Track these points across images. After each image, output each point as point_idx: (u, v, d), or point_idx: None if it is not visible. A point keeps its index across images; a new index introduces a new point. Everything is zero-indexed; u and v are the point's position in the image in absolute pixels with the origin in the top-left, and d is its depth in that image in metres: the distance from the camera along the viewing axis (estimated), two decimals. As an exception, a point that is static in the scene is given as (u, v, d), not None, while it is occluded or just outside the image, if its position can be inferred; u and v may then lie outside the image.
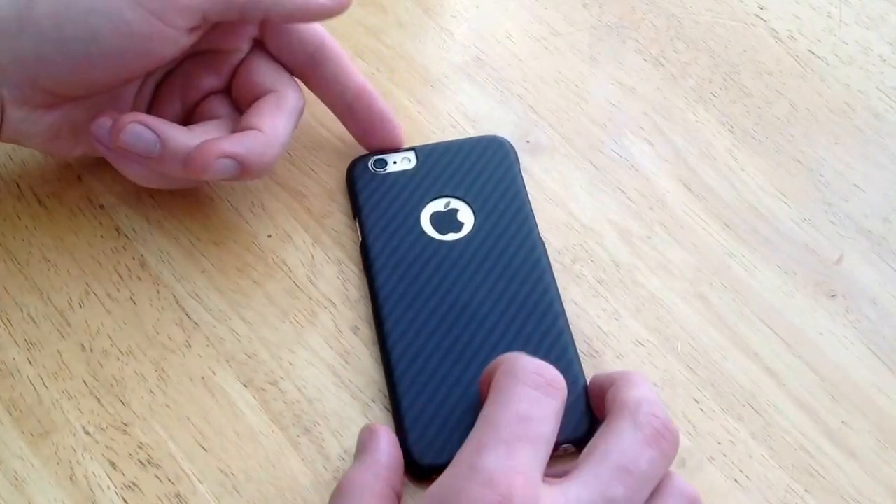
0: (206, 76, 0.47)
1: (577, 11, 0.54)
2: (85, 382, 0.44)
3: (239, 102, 0.47)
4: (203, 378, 0.44)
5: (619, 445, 0.36)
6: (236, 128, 0.46)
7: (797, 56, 0.52)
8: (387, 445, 0.39)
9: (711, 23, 0.54)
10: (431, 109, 0.52)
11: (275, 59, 0.48)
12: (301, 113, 0.47)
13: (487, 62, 0.52)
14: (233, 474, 0.42)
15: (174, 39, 0.43)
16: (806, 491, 0.42)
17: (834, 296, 0.46)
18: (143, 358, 0.44)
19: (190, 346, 0.45)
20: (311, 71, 0.48)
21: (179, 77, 0.47)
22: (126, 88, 0.46)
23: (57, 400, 0.43)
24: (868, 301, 0.46)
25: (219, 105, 0.47)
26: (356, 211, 0.47)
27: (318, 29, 0.47)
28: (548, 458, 0.36)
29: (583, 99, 0.51)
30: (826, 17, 0.53)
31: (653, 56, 0.53)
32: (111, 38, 0.42)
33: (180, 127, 0.45)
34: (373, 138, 0.49)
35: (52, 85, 0.43)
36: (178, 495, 0.41)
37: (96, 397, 0.43)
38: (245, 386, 0.44)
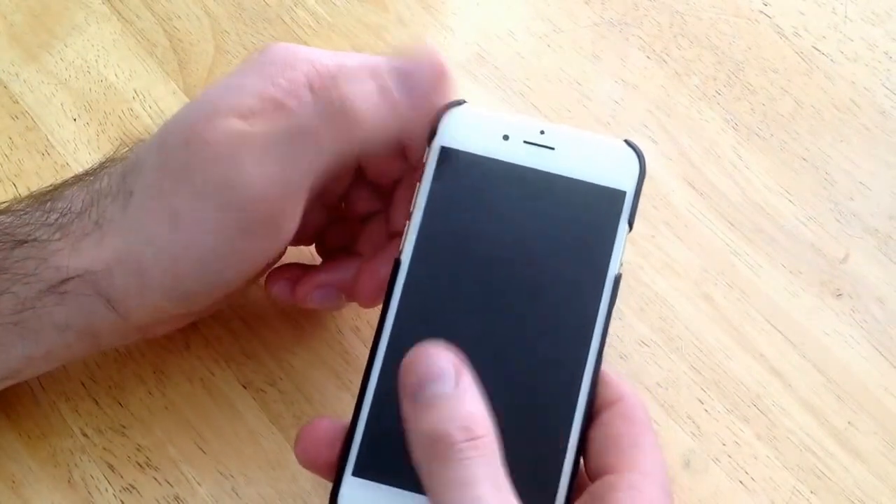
0: (330, 180, 0.40)
1: (580, 8, 0.53)
2: (83, 384, 0.43)
3: (380, 183, 0.42)
4: (202, 379, 0.44)
5: None
6: (399, 215, 0.40)
7: (802, 53, 0.52)
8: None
9: (715, 19, 0.53)
10: (433, 107, 0.51)
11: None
12: None
13: (489, 60, 0.52)
14: (232, 476, 0.42)
15: (294, 220, 0.38)
16: (812, 492, 0.41)
17: (840, 295, 0.46)
18: (142, 359, 0.44)
19: (189, 346, 0.44)
20: None
21: None
22: None
23: (54, 402, 0.43)
24: (874, 300, 0.46)
25: (364, 197, 0.42)
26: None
27: None
28: None
29: (585, 97, 0.51)
30: (831, 13, 0.53)
31: (656, 53, 0.52)
32: (235, 272, 0.37)
33: (354, 260, 0.41)
34: None
35: (185, 311, 0.39)
36: (176, 498, 0.41)
37: (94, 399, 0.43)
38: (244, 387, 0.43)
